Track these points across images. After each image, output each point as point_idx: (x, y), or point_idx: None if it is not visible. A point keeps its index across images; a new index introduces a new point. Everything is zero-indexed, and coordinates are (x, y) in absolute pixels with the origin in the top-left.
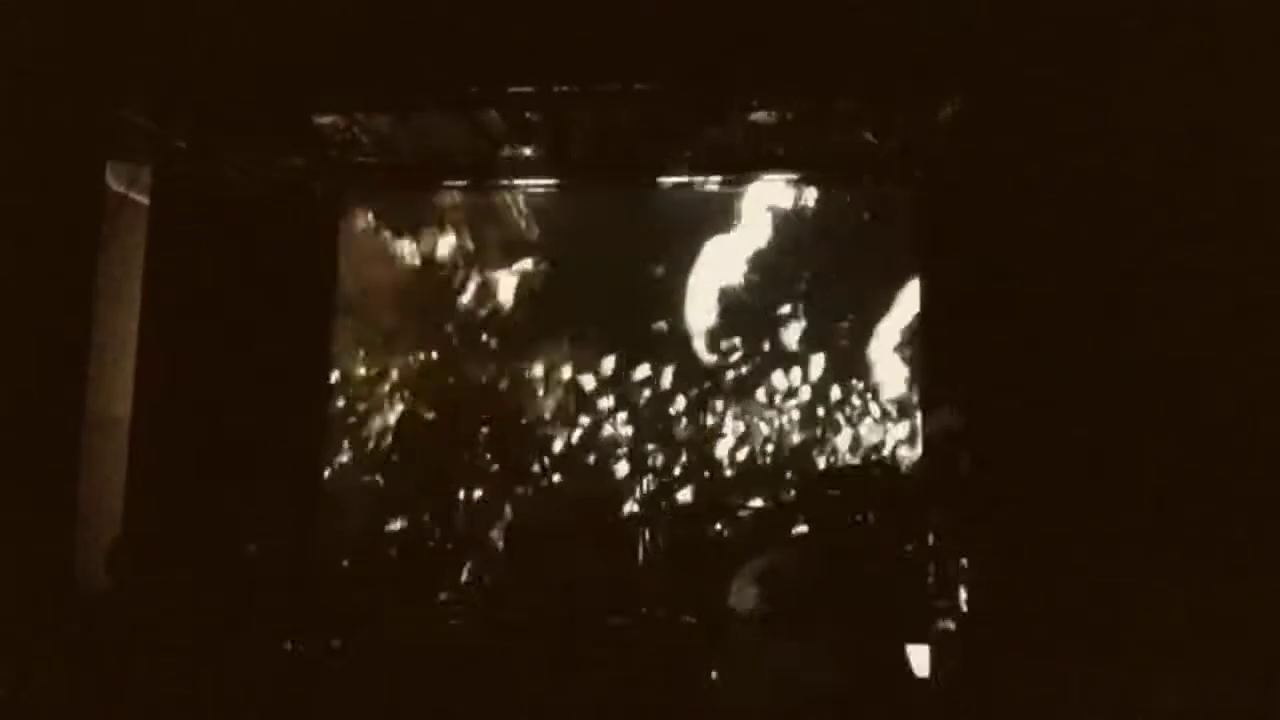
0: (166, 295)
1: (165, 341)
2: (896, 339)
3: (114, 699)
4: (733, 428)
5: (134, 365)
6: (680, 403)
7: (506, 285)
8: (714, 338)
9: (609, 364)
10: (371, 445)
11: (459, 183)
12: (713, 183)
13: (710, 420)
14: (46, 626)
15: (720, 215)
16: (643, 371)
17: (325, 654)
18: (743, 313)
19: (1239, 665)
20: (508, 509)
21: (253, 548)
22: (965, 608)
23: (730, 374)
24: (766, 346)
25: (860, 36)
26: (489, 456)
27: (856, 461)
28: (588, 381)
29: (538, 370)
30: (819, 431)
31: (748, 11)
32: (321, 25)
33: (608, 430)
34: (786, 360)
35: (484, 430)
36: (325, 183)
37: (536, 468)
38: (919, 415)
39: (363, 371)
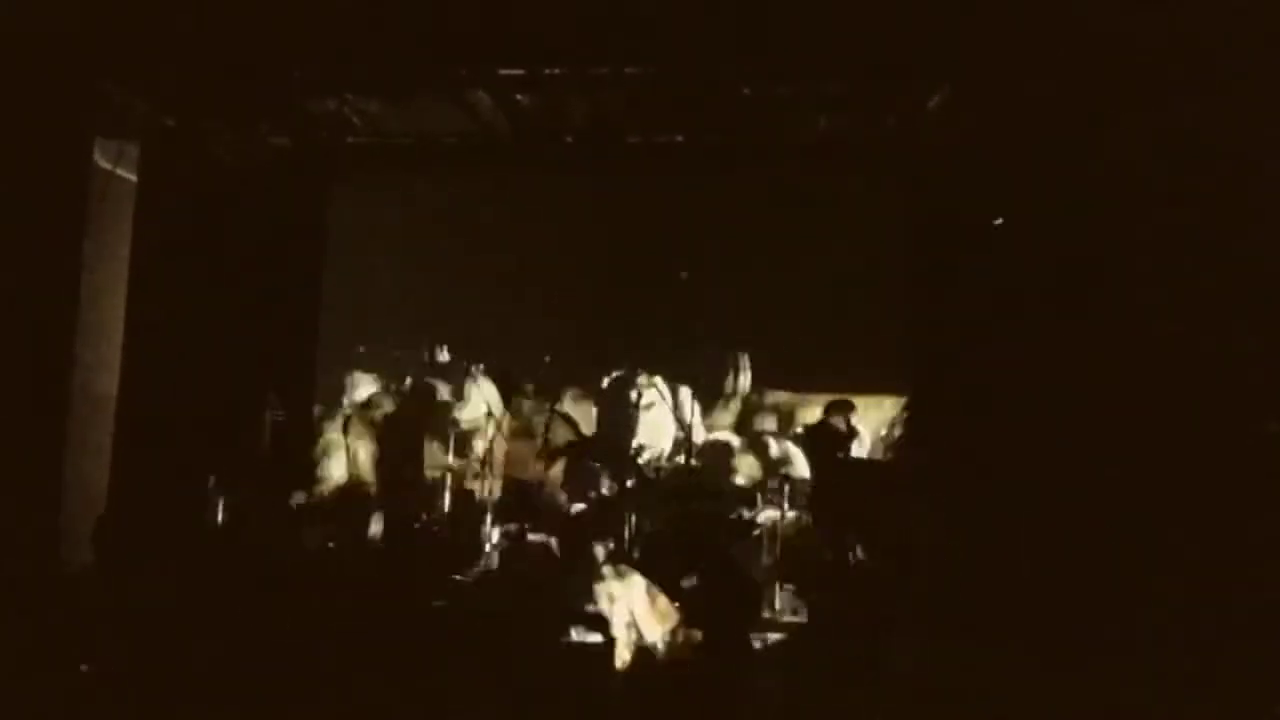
0: (154, 273)
1: (153, 319)
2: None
3: (98, 672)
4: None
5: (121, 343)
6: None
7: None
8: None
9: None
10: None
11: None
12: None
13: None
14: (31, 601)
15: (704, 206)
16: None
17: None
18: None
19: (1228, 664)
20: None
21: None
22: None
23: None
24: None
25: (850, 24)
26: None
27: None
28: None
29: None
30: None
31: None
32: (313, 5)
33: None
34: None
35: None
36: (314, 162)
37: None
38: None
39: None
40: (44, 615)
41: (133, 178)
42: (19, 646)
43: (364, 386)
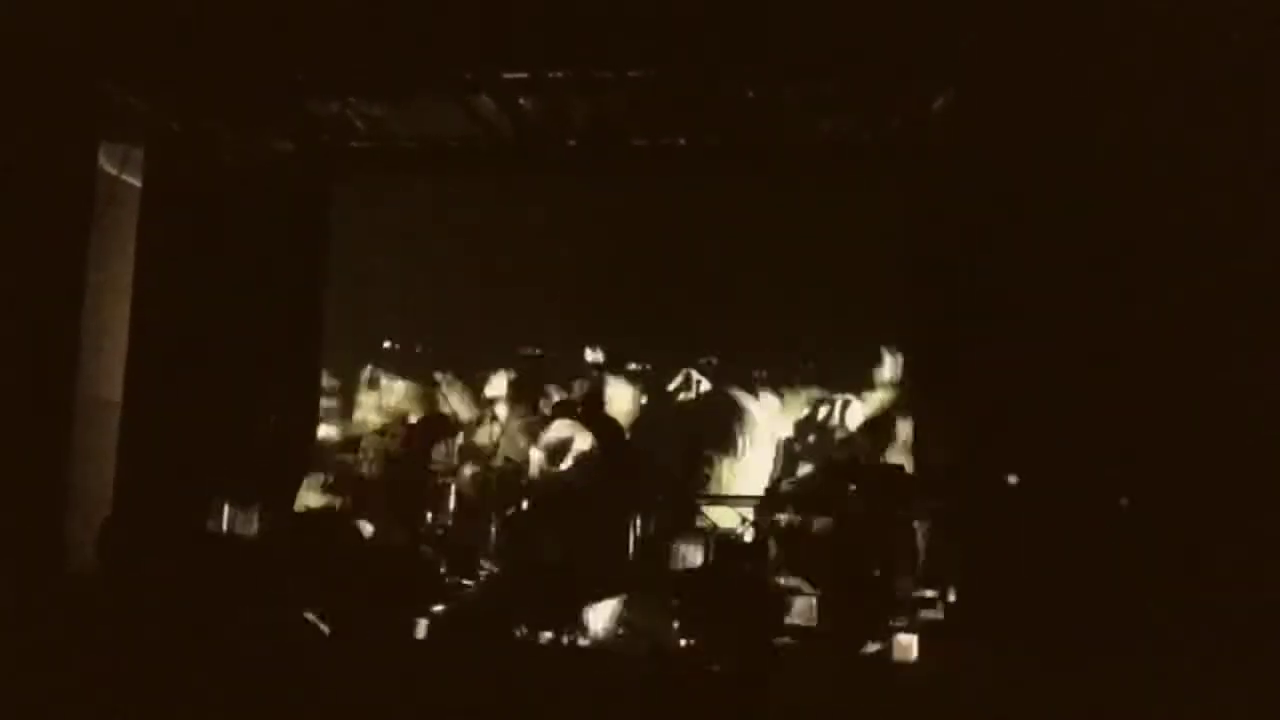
0: (158, 278)
1: (157, 325)
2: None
3: (102, 678)
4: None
5: (126, 348)
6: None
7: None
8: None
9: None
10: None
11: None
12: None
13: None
14: (36, 605)
15: (706, 209)
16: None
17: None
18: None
19: (1228, 665)
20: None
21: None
22: (953, 599)
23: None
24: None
25: (853, 26)
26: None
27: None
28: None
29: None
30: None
31: (741, 1)
32: (316, 8)
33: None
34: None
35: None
36: (318, 166)
37: None
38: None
39: None
40: (48, 619)
41: (137, 182)
42: (24, 650)
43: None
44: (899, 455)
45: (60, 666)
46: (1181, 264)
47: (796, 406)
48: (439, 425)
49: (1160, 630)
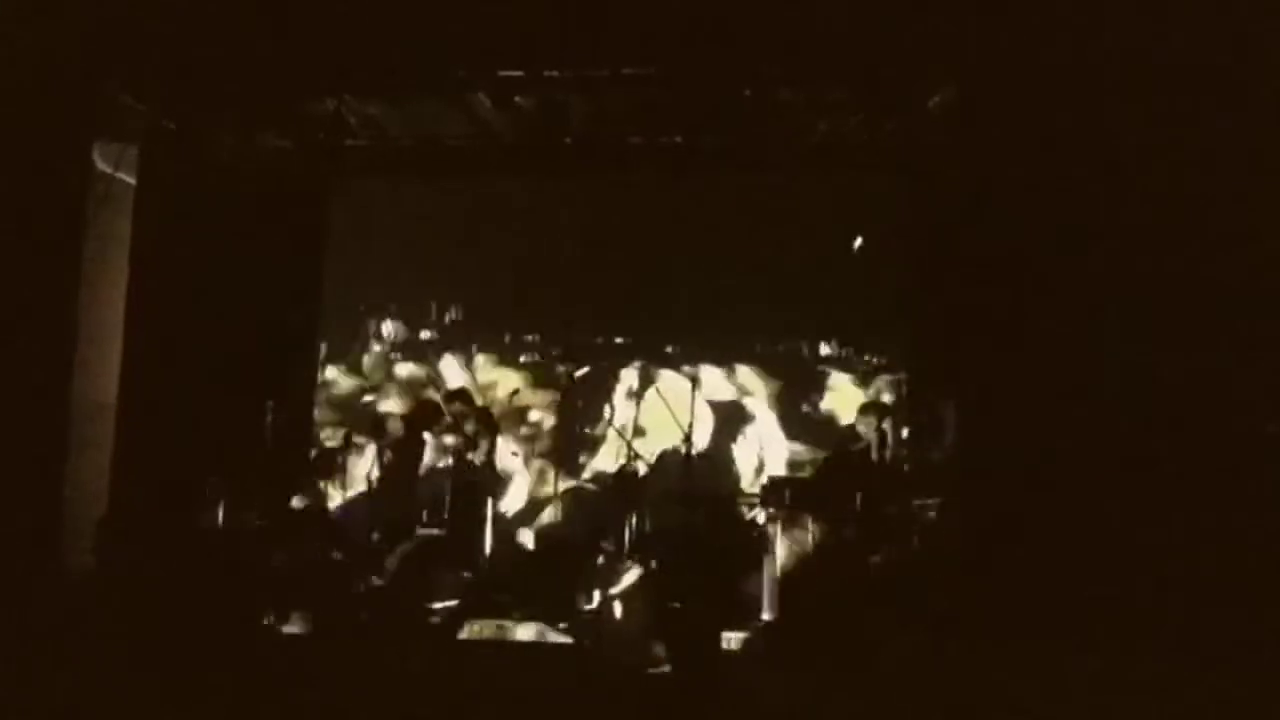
0: (153, 278)
1: (152, 326)
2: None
3: (97, 674)
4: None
5: (121, 350)
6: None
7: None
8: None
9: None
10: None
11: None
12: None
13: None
14: (33, 605)
15: (708, 208)
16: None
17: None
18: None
19: (1228, 664)
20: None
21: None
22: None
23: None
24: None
25: (849, 26)
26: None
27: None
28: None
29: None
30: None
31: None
32: (311, 7)
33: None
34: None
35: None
36: (313, 165)
37: None
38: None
39: None
40: (45, 616)
41: (132, 181)
42: (21, 647)
43: None
44: (898, 452)
45: (59, 665)
46: (1182, 261)
47: (797, 405)
48: (431, 412)
49: (1159, 629)
